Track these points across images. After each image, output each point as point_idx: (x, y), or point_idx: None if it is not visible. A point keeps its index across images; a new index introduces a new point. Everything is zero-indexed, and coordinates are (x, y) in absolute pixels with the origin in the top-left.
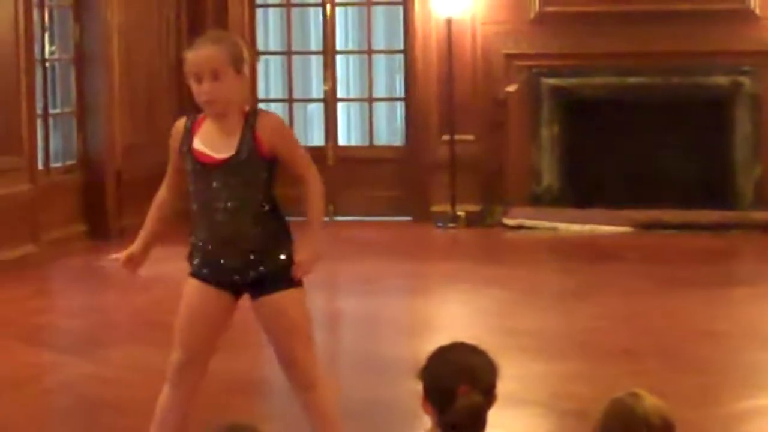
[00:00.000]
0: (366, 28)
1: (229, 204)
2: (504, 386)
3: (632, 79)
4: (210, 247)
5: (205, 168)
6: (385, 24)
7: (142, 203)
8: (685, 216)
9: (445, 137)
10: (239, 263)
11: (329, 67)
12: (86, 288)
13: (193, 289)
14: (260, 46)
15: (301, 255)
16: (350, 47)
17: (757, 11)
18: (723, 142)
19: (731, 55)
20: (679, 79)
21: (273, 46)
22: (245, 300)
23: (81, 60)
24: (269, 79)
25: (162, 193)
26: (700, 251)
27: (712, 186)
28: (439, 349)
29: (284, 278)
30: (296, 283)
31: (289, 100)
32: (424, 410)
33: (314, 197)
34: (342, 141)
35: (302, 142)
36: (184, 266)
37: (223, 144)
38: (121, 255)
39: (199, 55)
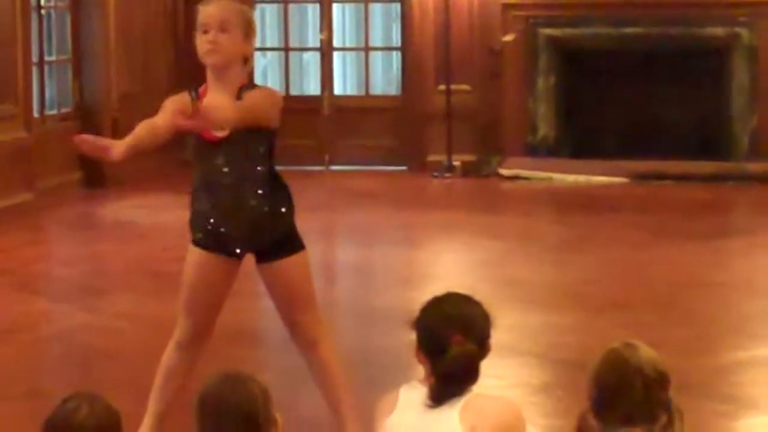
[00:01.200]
0: None
1: (231, 177)
2: (498, 336)
3: (629, 30)
4: (213, 218)
5: (207, 143)
6: None
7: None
8: (681, 167)
9: (442, 87)
10: (242, 233)
11: (325, 16)
12: (81, 237)
13: (196, 258)
14: None
15: (212, 98)
16: None
17: None
18: (719, 93)
19: (728, 6)
20: (677, 30)
21: None
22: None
23: (77, 7)
24: (265, 28)
25: (158, 122)
26: (695, 202)
27: (709, 137)
28: (433, 299)
29: (287, 244)
30: (298, 248)
31: (285, 49)
32: (418, 360)
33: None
34: (338, 90)
35: (297, 91)
36: (180, 215)
37: None
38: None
39: (212, 6)
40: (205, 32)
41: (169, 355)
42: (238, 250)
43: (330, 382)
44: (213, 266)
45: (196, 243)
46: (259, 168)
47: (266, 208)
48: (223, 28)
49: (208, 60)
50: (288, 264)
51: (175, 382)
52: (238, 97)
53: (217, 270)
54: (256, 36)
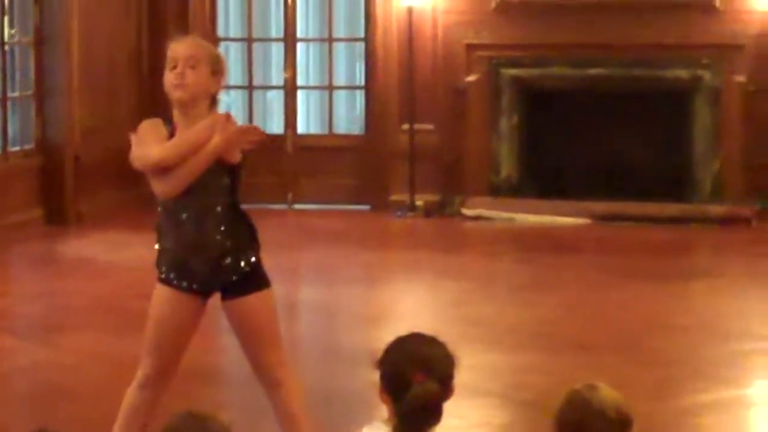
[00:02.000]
0: (327, 15)
1: (193, 211)
2: (461, 377)
3: (593, 71)
4: (178, 254)
5: None
6: (346, 12)
7: (101, 187)
8: (644, 208)
9: (405, 126)
10: (207, 269)
11: (289, 55)
12: (43, 273)
13: (162, 297)
14: (221, 32)
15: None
16: (311, 35)
17: (718, 4)
18: (682, 135)
19: (691, 48)
20: (640, 72)
21: (233, 33)
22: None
23: (41, 43)
24: (229, 65)
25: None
26: (658, 244)
27: (671, 179)
28: (397, 339)
29: (252, 281)
30: (264, 285)
31: (249, 87)
32: (382, 400)
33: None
34: (301, 129)
35: (261, 129)
36: (142, 252)
37: None
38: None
39: (181, 43)
40: (174, 68)
41: (132, 394)
42: (204, 283)
43: (291, 425)
44: (179, 304)
45: (162, 281)
46: (220, 202)
47: (229, 243)
48: (191, 65)
49: (174, 95)
50: (253, 301)
51: (138, 421)
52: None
53: (183, 309)
54: (225, 75)
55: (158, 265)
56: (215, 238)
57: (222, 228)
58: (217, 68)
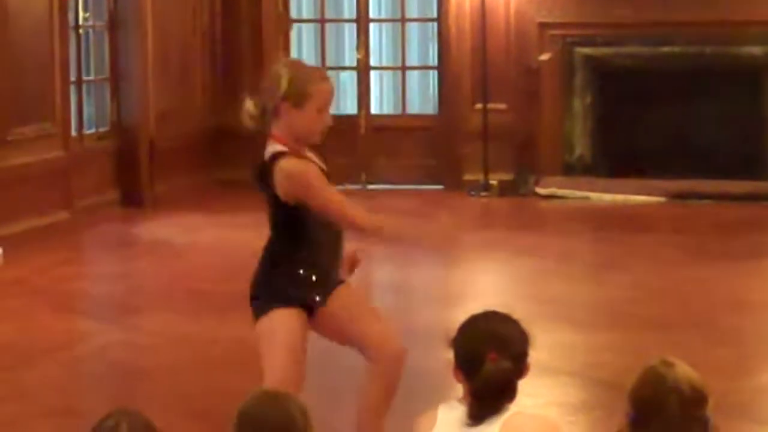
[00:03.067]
0: None
1: (330, 235)
2: (535, 355)
3: (665, 49)
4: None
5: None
6: None
7: (175, 170)
8: (718, 186)
9: (478, 106)
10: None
11: (362, 35)
12: (118, 255)
13: (288, 322)
14: (293, 14)
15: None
16: (383, 15)
17: None
18: (756, 113)
19: (765, 25)
20: (713, 49)
21: (306, 14)
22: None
23: (115, 27)
24: (302, 47)
25: None
26: (732, 222)
27: (745, 156)
28: (471, 317)
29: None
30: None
31: (322, 68)
32: (456, 378)
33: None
34: (374, 110)
35: (334, 110)
36: (216, 234)
37: None
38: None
39: (331, 85)
40: (320, 111)
41: None
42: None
43: (364, 404)
44: (302, 324)
45: (287, 303)
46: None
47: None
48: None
49: (315, 139)
50: (340, 291)
51: None
52: None
53: (304, 327)
54: None
55: (288, 291)
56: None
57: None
58: None
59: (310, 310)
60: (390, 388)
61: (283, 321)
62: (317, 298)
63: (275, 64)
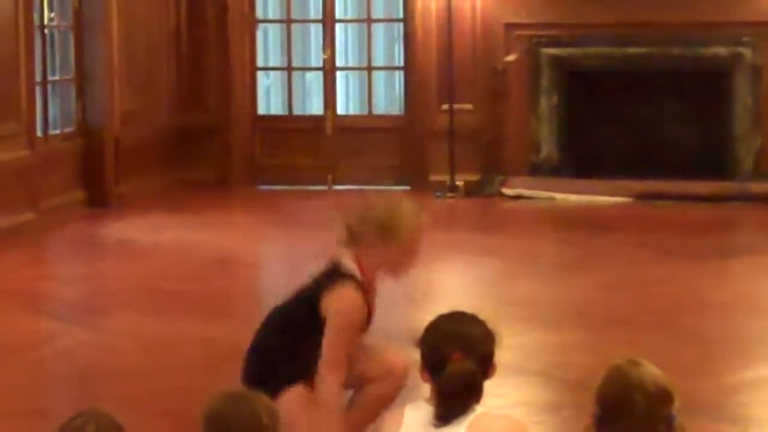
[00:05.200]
0: None
1: None
2: (502, 355)
3: (632, 50)
4: None
5: None
6: None
7: (140, 171)
8: (684, 187)
9: (444, 106)
10: None
11: (328, 36)
12: (84, 255)
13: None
14: (259, 14)
15: None
16: (349, 16)
17: None
18: (723, 113)
19: (731, 26)
20: (679, 50)
21: (272, 14)
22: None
23: (80, 27)
24: (268, 48)
25: None
26: (698, 222)
27: (712, 157)
28: (437, 317)
29: None
30: None
31: (288, 69)
32: (423, 379)
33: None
34: (341, 110)
35: (300, 110)
36: (182, 234)
37: None
38: None
39: (422, 229)
40: (406, 254)
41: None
42: None
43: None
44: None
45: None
46: None
47: None
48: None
49: (394, 276)
50: None
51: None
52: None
53: None
54: None
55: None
56: None
57: None
58: None
59: None
60: (385, 401)
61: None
62: None
63: (374, 200)
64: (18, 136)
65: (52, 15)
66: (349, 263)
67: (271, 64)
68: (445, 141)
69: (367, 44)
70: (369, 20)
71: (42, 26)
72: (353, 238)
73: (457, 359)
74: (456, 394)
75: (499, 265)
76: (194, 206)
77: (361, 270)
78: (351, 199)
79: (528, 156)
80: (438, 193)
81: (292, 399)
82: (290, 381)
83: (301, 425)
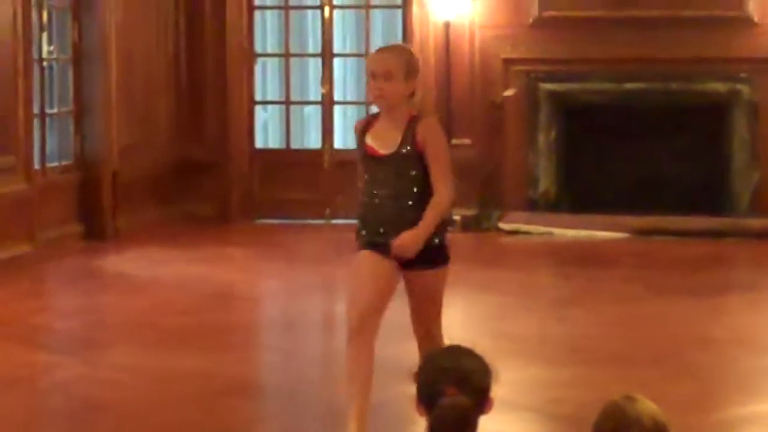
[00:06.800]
0: (364, 30)
1: (388, 191)
2: (497, 391)
3: (630, 85)
4: (373, 227)
5: (373, 159)
6: (383, 27)
7: (138, 204)
8: (682, 222)
9: None
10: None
11: (327, 70)
12: (81, 289)
13: (363, 256)
14: (258, 48)
15: (403, 235)
16: (348, 50)
17: (755, 18)
18: (720, 149)
19: (729, 62)
20: (677, 86)
21: (271, 48)
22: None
23: (79, 60)
24: (266, 81)
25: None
26: (695, 258)
27: (710, 193)
28: (434, 351)
29: (436, 258)
30: (444, 263)
31: (287, 103)
32: (418, 412)
33: (435, 204)
34: (338, 144)
35: (298, 144)
36: (180, 268)
37: (390, 140)
38: None
39: (377, 57)
40: (373, 78)
41: (347, 351)
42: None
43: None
44: (377, 260)
45: (363, 245)
46: (412, 186)
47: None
48: (386, 77)
49: (377, 105)
50: (434, 275)
51: (360, 373)
52: (409, 128)
53: (380, 264)
54: (419, 73)
55: (358, 234)
56: (405, 217)
57: (410, 208)
58: (409, 71)
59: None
60: None
61: (356, 259)
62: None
63: None
64: (15, 169)
65: (51, 48)
66: None
67: (270, 98)
68: None
69: (365, 78)
70: (367, 54)
71: (41, 59)
72: None
73: (451, 394)
74: (448, 429)
75: (496, 300)
76: (192, 240)
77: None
78: (348, 234)
79: (526, 191)
80: None
81: None
82: None
83: None
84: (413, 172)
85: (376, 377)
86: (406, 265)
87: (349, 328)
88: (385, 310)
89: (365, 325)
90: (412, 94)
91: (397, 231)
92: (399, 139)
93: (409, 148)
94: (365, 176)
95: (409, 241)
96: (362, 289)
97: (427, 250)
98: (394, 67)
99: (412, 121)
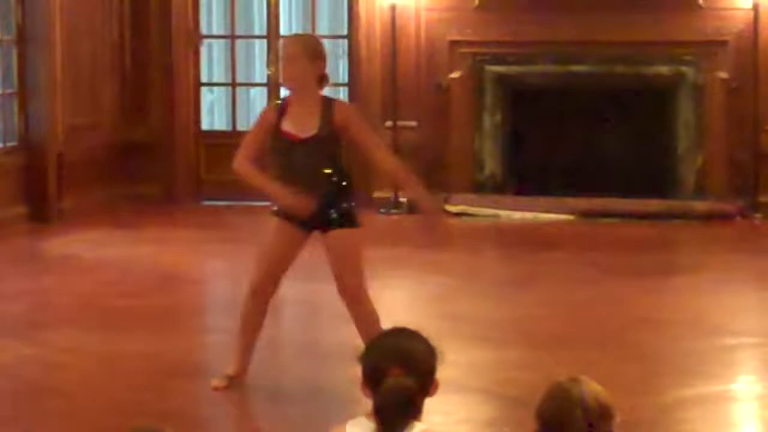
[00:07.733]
0: (310, 12)
1: (305, 170)
2: (445, 372)
3: (575, 68)
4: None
5: (289, 143)
6: (329, 9)
7: (83, 185)
8: (627, 205)
9: (388, 123)
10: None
11: (272, 52)
12: (26, 271)
13: (275, 225)
14: (203, 30)
15: (428, 217)
16: (294, 32)
17: (700, 1)
18: (665, 132)
19: (674, 45)
20: (622, 68)
21: (216, 30)
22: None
23: (23, 41)
24: (212, 63)
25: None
26: (641, 240)
27: (654, 175)
28: (379, 333)
29: (346, 221)
30: (356, 225)
31: (232, 84)
32: (364, 394)
33: (399, 168)
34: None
35: (244, 126)
36: (125, 250)
37: (308, 124)
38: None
39: (283, 43)
40: (283, 63)
41: (244, 303)
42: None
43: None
44: (286, 231)
45: (277, 214)
46: (329, 163)
47: (332, 192)
48: (291, 61)
49: (286, 86)
50: (347, 234)
51: (252, 324)
52: (326, 111)
53: (288, 234)
54: (325, 58)
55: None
56: (320, 188)
57: (325, 181)
58: (314, 55)
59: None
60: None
61: (271, 225)
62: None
63: None
64: None
65: None
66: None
67: (216, 80)
68: None
69: None
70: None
71: None
72: None
73: (396, 375)
74: (392, 410)
75: (443, 282)
76: (138, 222)
77: None
78: None
79: (471, 173)
80: (382, 210)
81: None
82: None
83: None
84: (330, 151)
85: (321, 359)
86: (324, 229)
87: (251, 289)
88: (286, 272)
89: (264, 288)
90: (323, 79)
91: (312, 189)
92: (317, 123)
93: (328, 130)
94: (277, 160)
95: (435, 209)
96: (266, 257)
97: (340, 214)
98: (297, 52)
99: (326, 104)
